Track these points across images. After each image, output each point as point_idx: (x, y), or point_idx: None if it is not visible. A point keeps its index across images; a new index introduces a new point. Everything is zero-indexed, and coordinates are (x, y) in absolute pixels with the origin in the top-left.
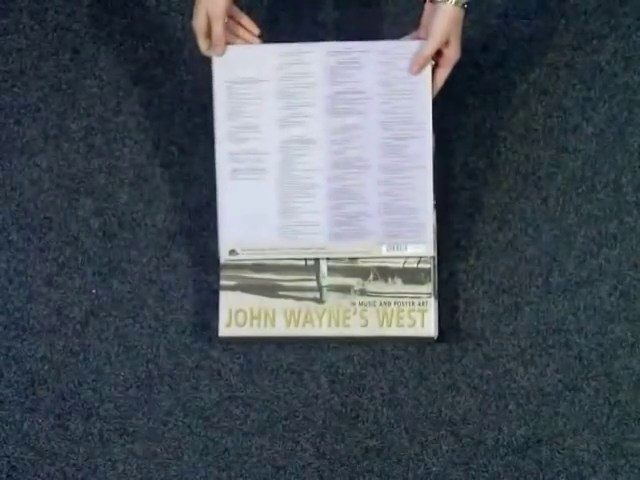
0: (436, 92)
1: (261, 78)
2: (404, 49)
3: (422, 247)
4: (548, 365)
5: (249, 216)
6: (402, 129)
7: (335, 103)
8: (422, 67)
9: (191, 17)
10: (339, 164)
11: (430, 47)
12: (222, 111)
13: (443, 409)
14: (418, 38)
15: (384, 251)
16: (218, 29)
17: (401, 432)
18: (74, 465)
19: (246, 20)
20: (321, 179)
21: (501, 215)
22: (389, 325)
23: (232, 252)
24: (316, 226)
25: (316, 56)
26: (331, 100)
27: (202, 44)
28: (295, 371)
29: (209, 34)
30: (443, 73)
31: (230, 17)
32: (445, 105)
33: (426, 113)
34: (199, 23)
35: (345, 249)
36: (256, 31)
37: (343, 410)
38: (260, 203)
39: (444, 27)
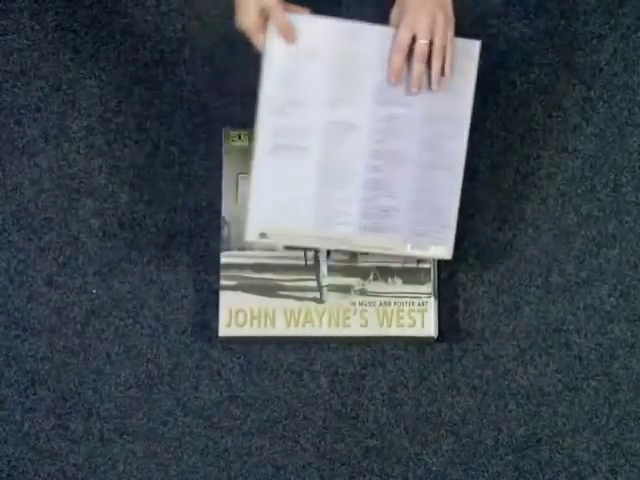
0: (449, 71)
1: (315, 53)
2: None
3: (443, 249)
4: (548, 365)
5: (284, 199)
6: (442, 126)
7: (384, 91)
8: (402, 57)
9: (231, 18)
10: (379, 154)
11: (400, 36)
12: (270, 83)
13: (443, 409)
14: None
15: (408, 249)
16: (281, 17)
17: (401, 432)
18: (74, 465)
19: (294, 7)
20: (360, 167)
21: (501, 215)
22: (389, 325)
23: (262, 235)
24: (348, 216)
25: (372, 38)
26: (380, 87)
27: (258, 41)
28: (295, 371)
29: (263, 30)
30: (448, 49)
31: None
32: None
33: (466, 112)
34: (251, 21)
35: (371, 243)
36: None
37: (343, 410)
38: (297, 186)
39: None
